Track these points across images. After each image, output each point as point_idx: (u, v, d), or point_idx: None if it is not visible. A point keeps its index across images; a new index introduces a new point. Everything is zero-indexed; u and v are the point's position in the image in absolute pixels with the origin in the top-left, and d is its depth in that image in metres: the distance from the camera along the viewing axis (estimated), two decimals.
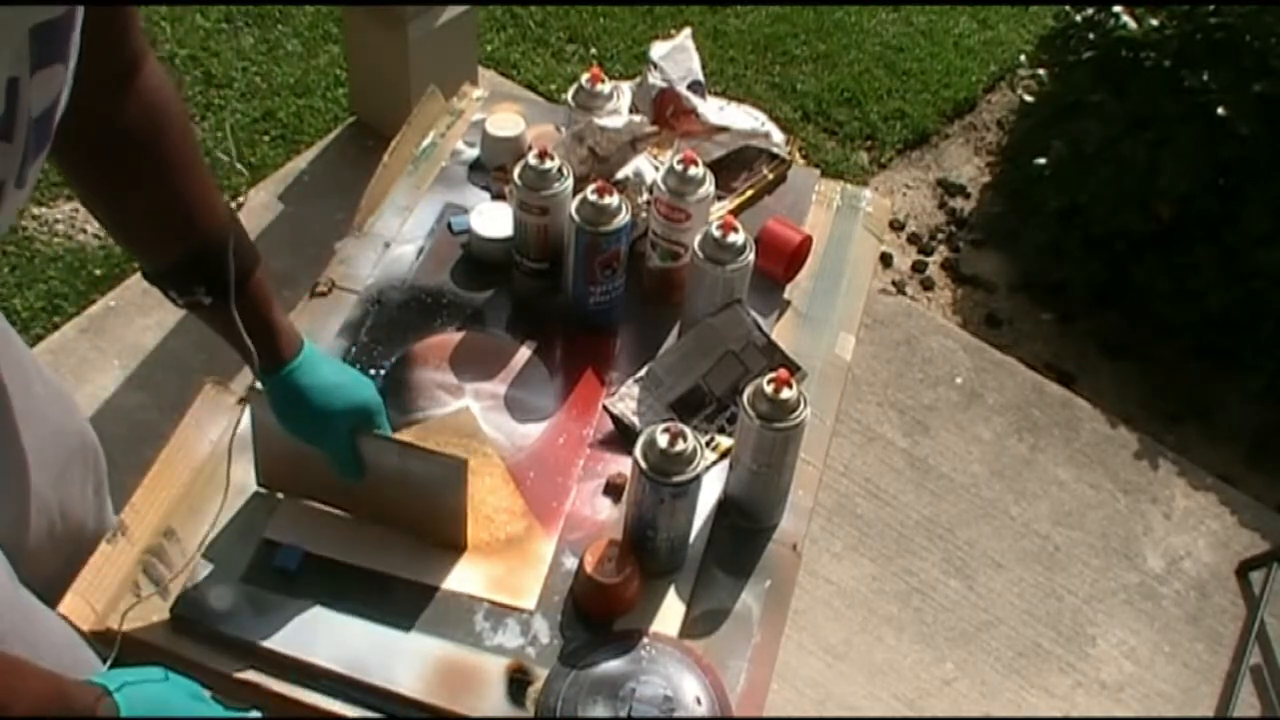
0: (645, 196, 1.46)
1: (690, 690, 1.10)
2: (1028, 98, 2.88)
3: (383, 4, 2.52)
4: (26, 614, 1.12)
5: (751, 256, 1.37)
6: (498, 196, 1.58)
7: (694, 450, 1.15)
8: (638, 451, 1.15)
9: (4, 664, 0.88)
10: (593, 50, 3.09)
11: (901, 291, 2.63)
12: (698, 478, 1.16)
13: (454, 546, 1.23)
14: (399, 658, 1.14)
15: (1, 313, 1.28)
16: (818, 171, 1.73)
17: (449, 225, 1.55)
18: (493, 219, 1.50)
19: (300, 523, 1.23)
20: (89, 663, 1.13)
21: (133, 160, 1.01)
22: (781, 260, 1.50)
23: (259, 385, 1.16)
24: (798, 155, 1.72)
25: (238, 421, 1.24)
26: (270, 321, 1.13)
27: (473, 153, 1.65)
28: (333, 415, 1.15)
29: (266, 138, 2.73)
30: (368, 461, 1.19)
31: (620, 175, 1.47)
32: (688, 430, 1.15)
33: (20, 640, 1.05)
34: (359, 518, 1.25)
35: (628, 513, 1.21)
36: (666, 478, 1.14)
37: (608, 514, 1.27)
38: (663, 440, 1.14)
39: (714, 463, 1.32)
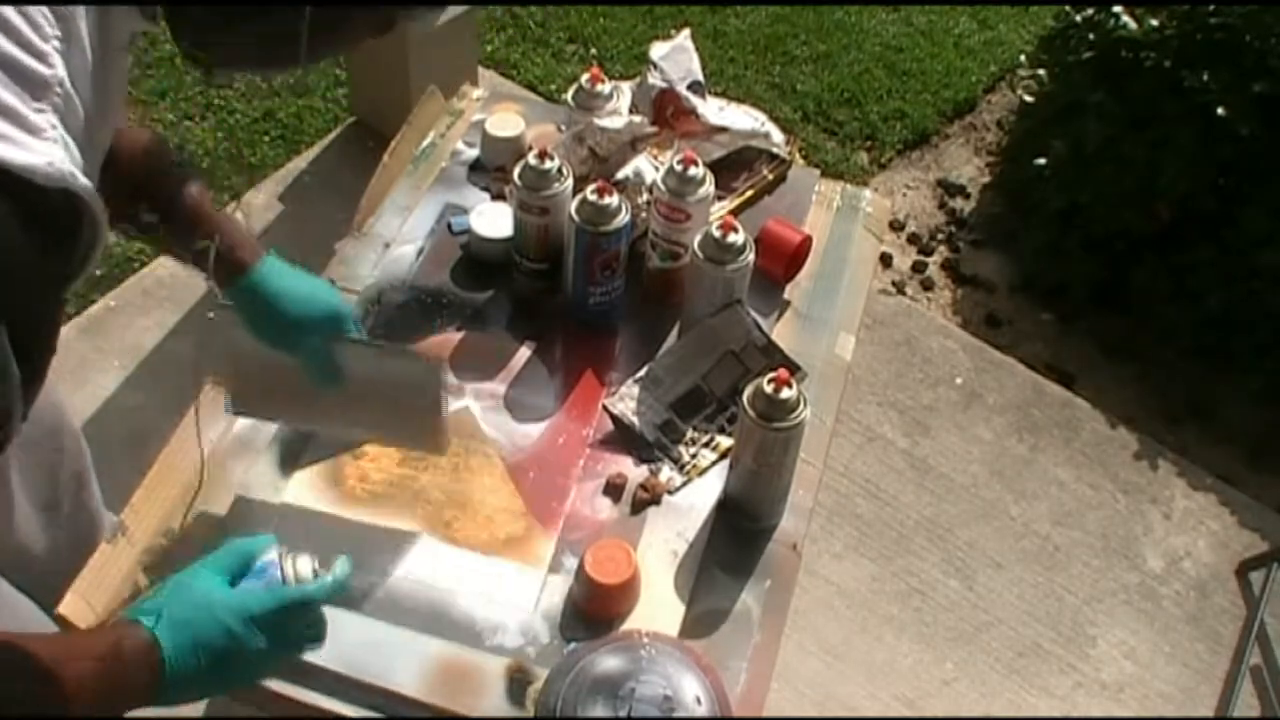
0: (645, 196, 1.46)
1: (690, 690, 1.09)
2: (1028, 98, 2.88)
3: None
4: (13, 610, 1.12)
5: (751, 256, 1.37)
6: (498, 196, 1.58)
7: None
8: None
9: (57, 639, 0.90)
10: (593, 50, 3.09)
11: (901, 291, 2.63)
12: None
13: (433, 450, 1.25)
14: (399, 658, 1.14)
15: None
16: (818, 172, 1.73)
17: (449, 225, 1.55)
18: (493, 219, 1.50)
19: (300, 523, 1.23)
20: None
21: None
22: (781, 260, 1.50)
23: (223, 300, 1.15)
24: (798, 155, 1.72)
25: (196, 416, 1.23)
26: (223, 227, 1.11)
27: (473, 153, 1.65)
28: (308, 320, 1.14)
29: (266, 138, 2.73)
30: (343, 368, 1.17)
31: (620, 175, 1.47)
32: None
33: None
34: (332, 432, 1.25)
35: None
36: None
37: (608, 514, 1.27)
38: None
39: (714, 463, 1.32)
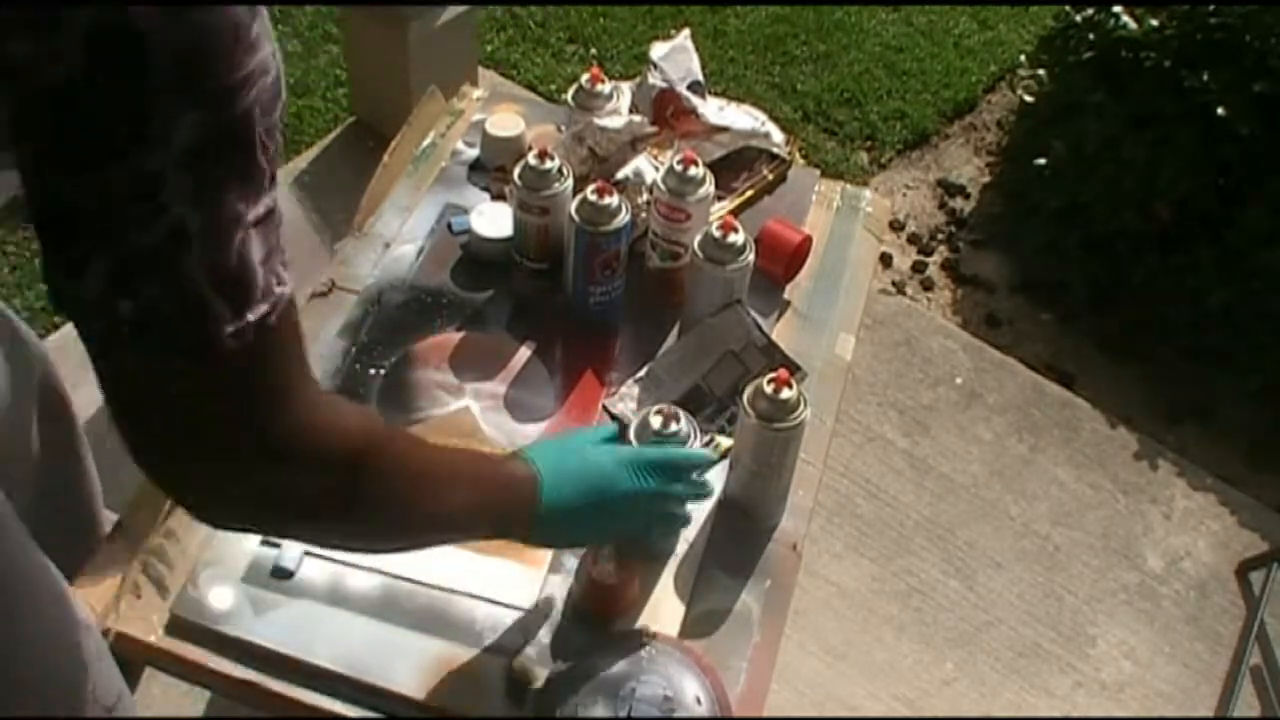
0: (645, 196, 1.46)
1: (690, 690, 1.09)
2: (1028, 98, 2.88)
3: (383, 4, 2.52)
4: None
5: (751, 256, 1.37)
6: (498, 196, 1.58)
7: (687, 433, 1.16)
8: (631, 434, 1.16)
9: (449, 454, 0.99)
10: (593, 50, 3.09)
11: (901, 291, 2.63)
12: None
13: None
14: (399, 658, 1.14)
15: None
16: (818, 171, 1.73)
17: (449, 225, 1.55)
18: (493, 219, 1.50)
19: None
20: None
21: None
22: (781, 260, 1.50)
23: None
24: (798, 155, 1.72)
25: None
26: None
27: (473, 153, 1.65)
28: None
29: None
30: None
31: (620, 175, 1.47)
32: (681, 413, 1.16)
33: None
34: None
35: None
36: None
37: None
38: (655, 421, 1.15)
39: (714, 463, 1.32)
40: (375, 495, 0.85)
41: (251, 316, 0.70)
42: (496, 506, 0.98)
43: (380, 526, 0.89)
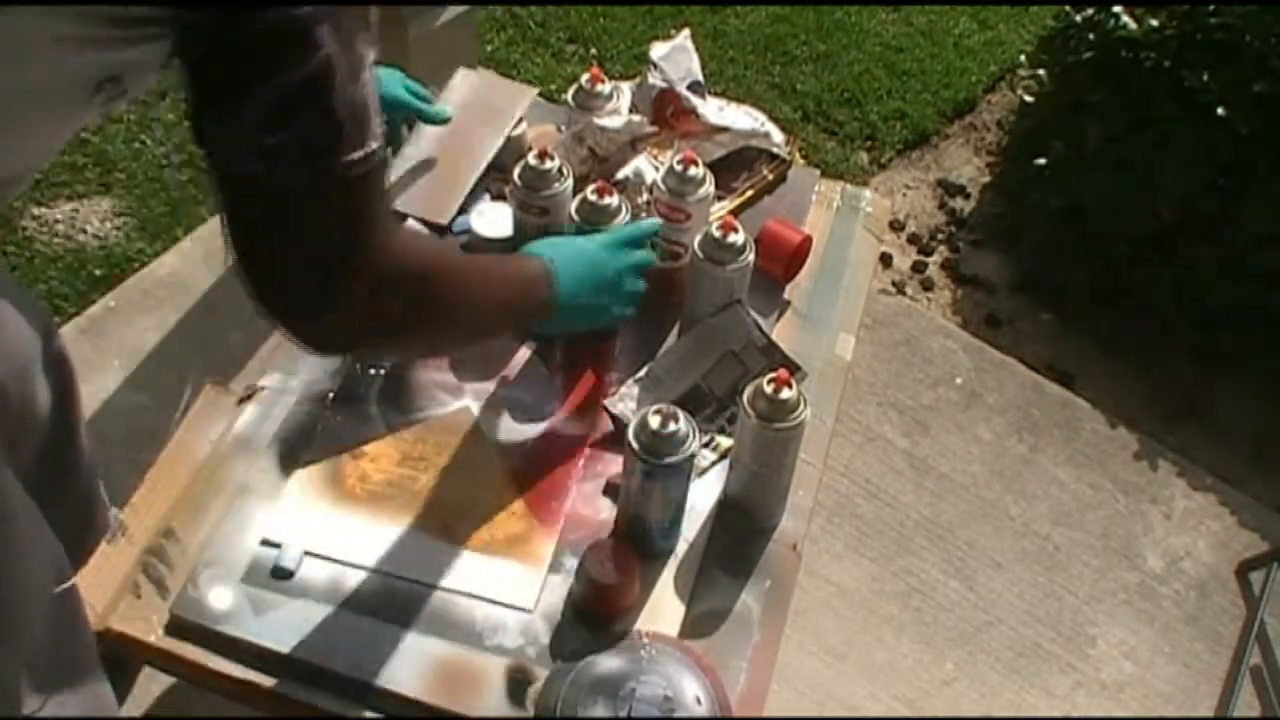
0: (645, 196, 1.46)
1: (690, 690, 1.09)
2: (1028, 98, 2.88)
3: (382, 4, 2.52)
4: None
5: (751, 256, 1.37)
6: (498, 196, 1.58)
7: (686, 433, 1.15)
8: (630, 434, 1.16)
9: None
10: (593, 50, 3.09)
11: (901, 291, 2.63)
12: (690, 458, 1.16)
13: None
14: (399, 658, 1.14)
15: None
16: (818, 172, 1.73)
17: (449, 225, 1.55)
18: (493, 219, 1.50)
19: (300, 522, 1.23)
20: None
21: None
22: (781, 260, 1.50)
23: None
24: (798, 155, 1.72)
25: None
26: None
27: None
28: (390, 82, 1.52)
29: None
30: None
31: (620, 175, 1.47)
32: (680, 413, 1.15)
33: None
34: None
35: (620, 498, 1.22)
36: (658, 458, 1.14)
37: (608, 514, 1.27)
38: (654, 421, 1.14)
39: (714, 463, 1.32)
40: (440, 306, 1.01)
41: (368, 149, 0.83)
42: (525, 302, 1.20)
43: (446, 331, 1.09)
